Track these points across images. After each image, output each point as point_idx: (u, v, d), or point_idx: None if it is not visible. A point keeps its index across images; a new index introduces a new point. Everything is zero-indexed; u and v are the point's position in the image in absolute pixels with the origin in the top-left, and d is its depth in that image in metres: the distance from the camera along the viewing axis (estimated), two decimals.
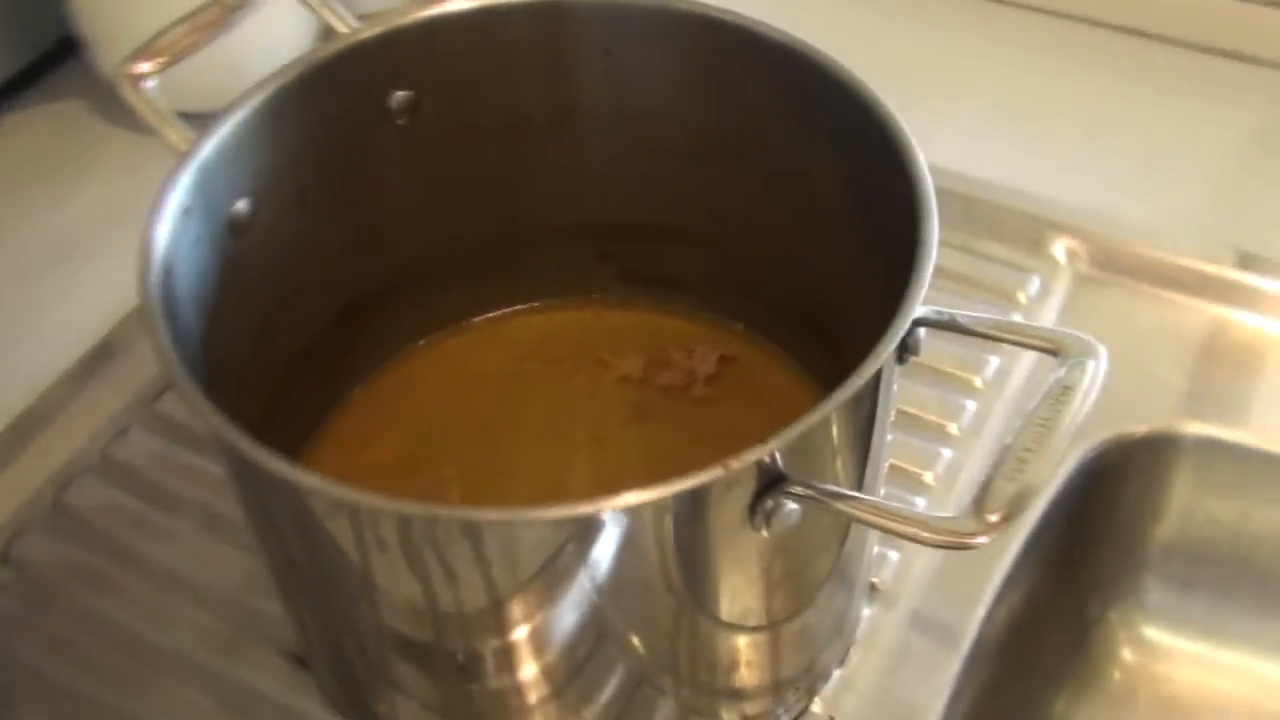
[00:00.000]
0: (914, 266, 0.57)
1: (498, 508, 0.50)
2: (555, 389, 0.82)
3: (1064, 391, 0.52)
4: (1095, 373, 0.53)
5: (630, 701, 0.62)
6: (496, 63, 0.74)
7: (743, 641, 0.62)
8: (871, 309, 0.67)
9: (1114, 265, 0.90)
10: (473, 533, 0.52)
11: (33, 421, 0.84)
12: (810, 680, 0.69)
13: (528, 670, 0.59)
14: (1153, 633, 0.86)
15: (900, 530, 0.50)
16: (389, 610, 0.58)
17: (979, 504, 0.49)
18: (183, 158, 0.63)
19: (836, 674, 0.71)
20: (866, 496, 0.52)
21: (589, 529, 0.51)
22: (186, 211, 0.62)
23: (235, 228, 0.67)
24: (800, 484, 0.53)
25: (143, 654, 0.73)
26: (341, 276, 0.77)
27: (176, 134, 0.66)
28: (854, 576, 0.68)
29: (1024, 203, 0.93)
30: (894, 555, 0.75)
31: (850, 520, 0.53)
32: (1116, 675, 0.86)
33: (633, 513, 0.51)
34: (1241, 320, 0.86)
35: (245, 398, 0.67)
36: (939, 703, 0.69)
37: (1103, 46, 1.08)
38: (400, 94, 0.73)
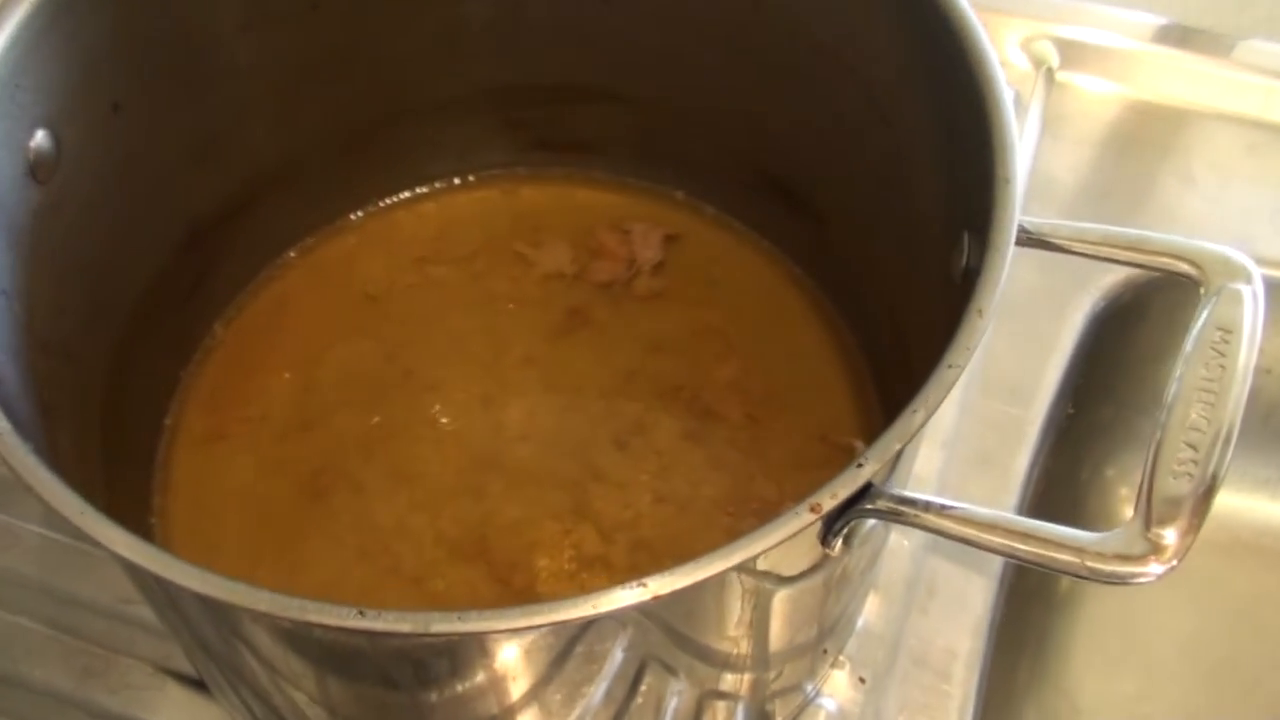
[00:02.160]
0: (991, 180, 0.42)
1: (508, 613, 0.35)
2: (467, 298, 0.66)
3: (1223, 338, 0.39)
4: (1255, 302, 0.40)
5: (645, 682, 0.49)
6: None
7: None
8: (873, 183, 0.53)
9: (1091, 62, 0.76)
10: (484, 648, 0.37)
11: None
12: (838, 641, 0.58)
13: None
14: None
15: (1044, 558, 0.38)
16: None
17: (1145, 514, 0.37)
18: None
19: (860, 623, 0.59)
20: (995, 513, 0.39)
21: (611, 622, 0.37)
22: None
23: (37, 170, 0.49)
24: (888, 499, 0.39)
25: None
26: (181, 197, 0.59)
27: None
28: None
29: None
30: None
31: (957, 540, 0.40)
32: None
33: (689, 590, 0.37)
34: None
35: (86, 373, 0.51)
36: (969, 641, 0.58)
37: None
38: None
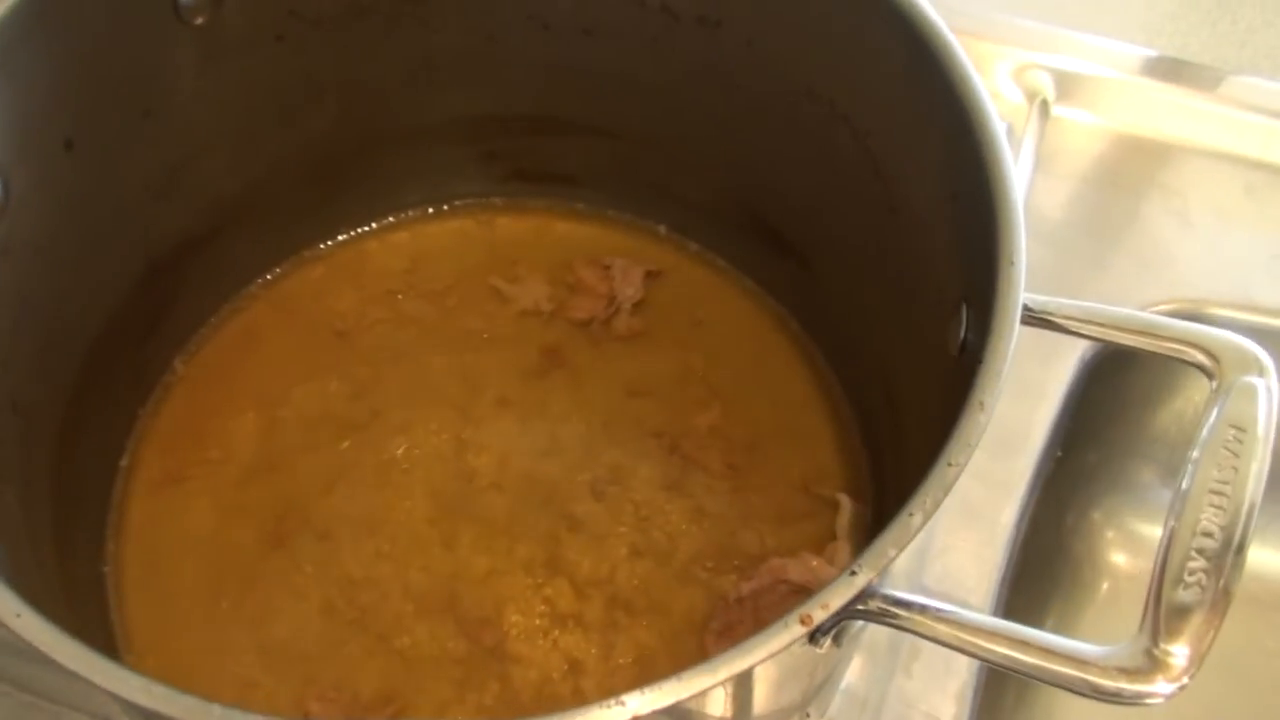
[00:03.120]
0: (995, 255, 0.40)
1: None
2: (439, 335, 0.63)
3: (1236, 436, 0.37)
4: (1270, 398, 0.37)
5: None
6: None
7: None
8: (864, 229, 0.51)
9: (1086, 96, 0.74)
10: None
11: None
12: (821, 705, 0.56)
13: None
14: (1147, 529, 0.75)
15: (1046, 672, 0.35)
16: None
17: (1154, 627, 0.35)
18: None
19: (842, 684, 0.57)
20: (994, 621, 0.37)
21: None
22: None
23: None
24: (881, 599, 0.37)
25: None
26: (139, 232, 0.56)
27: None
28: None
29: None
30: None
31: (950, 646, 0.38)
32: (1105, 585, 0.75)
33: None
34: None
35: (36, 422, 0.48)
36: (952, 706, 0.56)
37: None
38: None
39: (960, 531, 0.62)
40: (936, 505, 0.36)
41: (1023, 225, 0.40)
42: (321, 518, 0.58)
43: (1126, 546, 0.75)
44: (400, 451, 0.60)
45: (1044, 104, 0.74)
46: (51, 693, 0.57)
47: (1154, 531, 0.75)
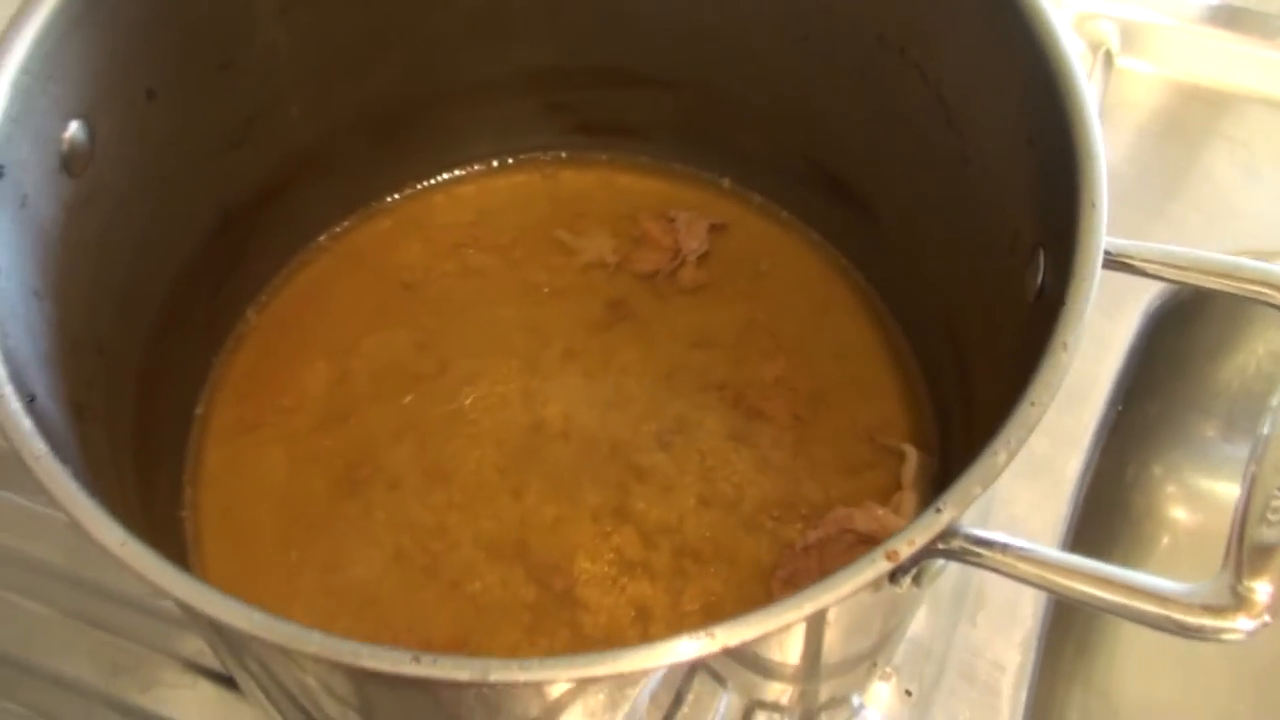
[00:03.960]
0: (1076, 199, 0.40)
1: (570, 662, 0.34)
2: (505, 287, 0.64)
3: None
4: None
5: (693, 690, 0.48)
6: None
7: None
8: (933, 181, 0.51)
9: (1153, 45, 0.73)
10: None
11: None
12: (887, 653, 0.56)
13: None
14: (1208, 484, 0.75)
15: (1127, 609, 0.36)
16: None
17: (1236, 564, 0.35)
18: None
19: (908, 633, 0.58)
20: (1075, 558, 0.37)
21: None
22: None
23: (70, 163, 0.47)
24: (963, 538, 0.37)
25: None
26: (215, 182, 0.57)
27: None
28: None
29: None
30: None
31: (1032, 583, 0.38)
32: (1165, 540, 0.75)
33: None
34: None
35: (117, 368, 0.49)
36: (1018, 655, 0.56)
37: None
38: None
39: (1024, 482, 0.62)
40: (1020, 444, 0.36)
41: (1104, 168, 0.40)
42: (392, 466, 0.59)
43: (1186, 501, 0.75)
44: (468, 402, 0.61)
45: (1108, 55, 0.74)
46: (136, 633, 0.58)
47: (1214, 486, 0.75)
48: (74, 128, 0.47)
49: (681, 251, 0.64)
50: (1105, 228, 0.39)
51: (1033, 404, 0.36)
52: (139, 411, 0.54)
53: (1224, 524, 0.74)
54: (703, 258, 0.64)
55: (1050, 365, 0.37)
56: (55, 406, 0.43)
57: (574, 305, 0.63)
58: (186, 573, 0.34)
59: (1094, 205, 0.39)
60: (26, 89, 0.43)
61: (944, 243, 0.54)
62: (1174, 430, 0.75)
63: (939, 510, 0.35)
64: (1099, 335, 0.65)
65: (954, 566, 0.57)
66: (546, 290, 0.64)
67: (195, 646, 0.58)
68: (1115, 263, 0.41)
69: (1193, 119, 0.72)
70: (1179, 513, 0.76)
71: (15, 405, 0.37)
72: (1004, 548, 0.38)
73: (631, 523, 0.58)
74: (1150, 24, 0.74)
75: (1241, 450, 0.75)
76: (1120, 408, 0.70)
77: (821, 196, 0.62)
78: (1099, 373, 0.64)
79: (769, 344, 0.62)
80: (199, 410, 0.61)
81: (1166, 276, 0.41)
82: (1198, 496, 0.76)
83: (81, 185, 0.47)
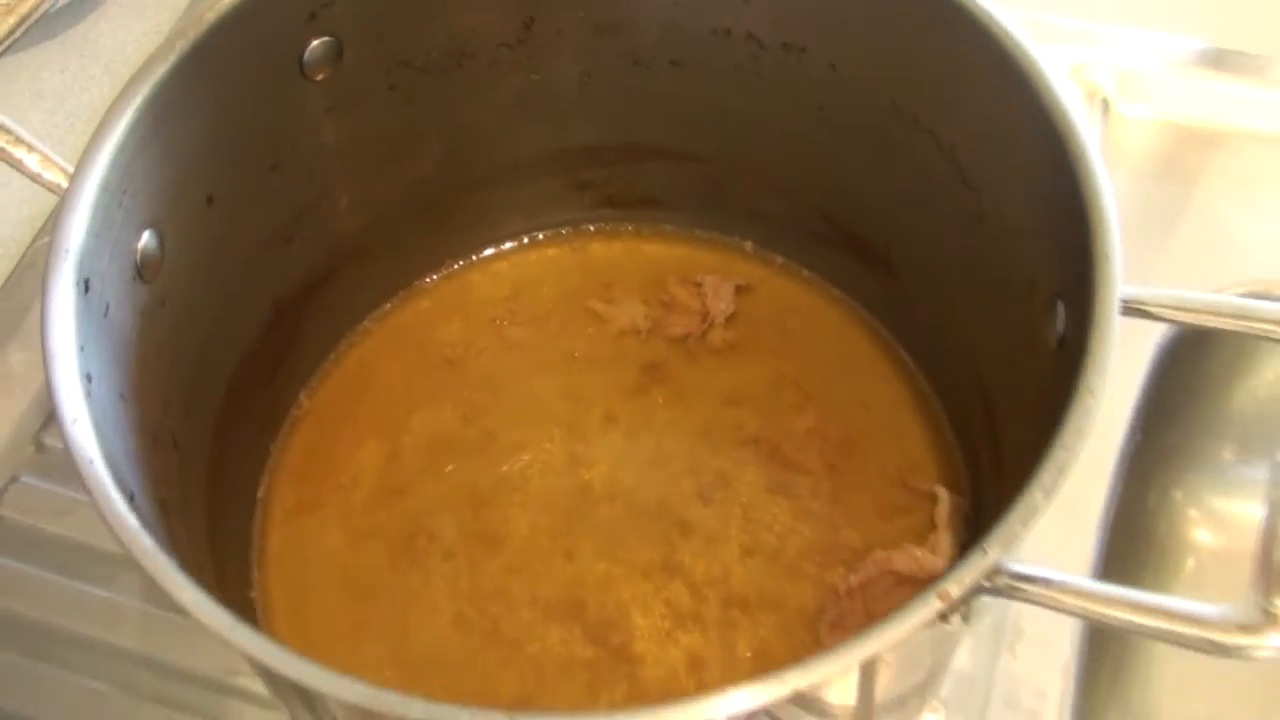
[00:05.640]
0: (1090, 252, 0.43)
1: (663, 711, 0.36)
2: (544, 358, 0.67)
3: None
4: None
5: None
6: None
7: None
8: (952, 238, 0.54)
9: (1148, 92, 0.77)
10: None
11: None
12: (935, 686, 0.58)
13: None
14: (1228, 506, 0.78)
15: (1168, 634, 0.38)
16: None
17: (1265, 584, 0.38)
18: (61, 214, 0.45)
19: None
20: (1107, 587, 0.40)
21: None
22: (85, 287, 0.45)
23: (143, 270, 0.50)
24: (1008, 576, 0.40)
25: None
26: (268, 276, 0.60)
27: (38, 159, 0.48)
28: None
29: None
30: None
31: (1072, 613, 0.41)
32: (1190, 562, 0.77)
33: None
34: None
35: (189, 459, 0.52)
36: (1059, 681, 0.59)
37: None
38: (317, 43, 0.55)
39: (1053, 515, 0.64)
40: (1056, 485, 0.39)
41: (1116, 222, 0.43)
42: (447, 535, 0.62)
43: (1208, 523, 0.78)
44: (516, 469, 0.64)
45: (1104, 102, 0.77)
46: (212, 711, 0.60)
47: (1234, 507, 0.77)
48: (146, 237, 0.50)
49: (710, 314, 0.67)
50: (1121, 279, 0.42)
51: (1064, 448, 0.39)
52: (209, 501, 0.57)
53: (1245, 543, 0.77)
54: (730, 319, 0.67)
55: (1079, 411, 0.40)
56: (146, 503, 0.46)
57: (610, 371, 0.66)
58: (295, 653, 0.37)
59: (1108, 259, 0.41)
60: (105, 205, 0.46)
61: (963, 295, 0.57)
62: (1192, 456, 0.77)
63: (985, 551, 0.38)
64: (1115, 370, 0.68)
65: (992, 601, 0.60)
66: (583, 358, 0.67)
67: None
68: (1131, 309, 0.43)
69: (1190, 159, 0.75)
70: (1202, 535, 0.78)
71: (121, 506, 0.40)
72: (1047, 582, 0.40)
73: (680, 577, 0.60)
74: (1144, 71, 0.77)
75: (1257, 471, 0.78)
76: (1139, 438, 0.73)
77: (841, 254, 0.65)
78: (1117, 406, 0.67)
79: (799, 397, 0.65)
80: (261, 493, 0.63)
81: (1180, 320, 0.44)
82: (1218, 517, 0.78)
83: (153, 290, 0.50)
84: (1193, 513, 0.79)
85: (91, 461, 0.40)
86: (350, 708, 0.37)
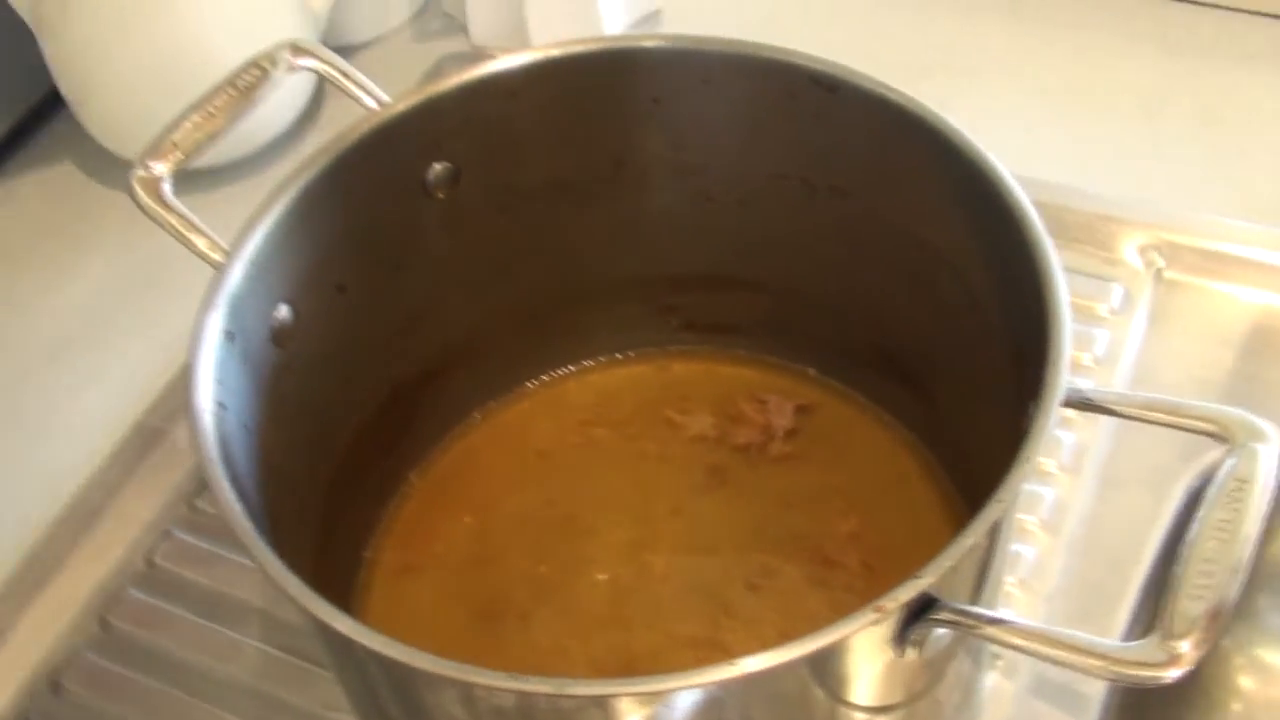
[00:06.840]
0: (1047, 351, 0.51)
1: (607, 682, 0.44)
2: (624, 456, 0.76)
3: (1239, 486, 0.47)
4: (1270, 460, 0.47)
5: None
6: (537, 122, 0.68)
7: None
8: (969, 359, 0.62)
9: (1199, 265, 0.83)
10: (604, 705, 0.46)
11: (65, 533, 0.78)
12: None
13: None
14: (1272, 656, 0.81)
15: (1071, 661, 0.45)
16: None
17: (1165, 629, 0.44)
18: (216, 278, 0.57)
19: None
20: (1028, 623, 0.47)
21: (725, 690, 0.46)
22: (229, 336, 0.56)
23: (278, 336, 0.61)
24: (950, 610, 0.47)
25: None
26: (388, 362, 0.71)
27: (204, 241, 0.60)
28: (980, 647, 0.63)
29: (1088, 202, 0.87)
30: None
31: (1009, 648, 0.47)
32: (1236, 707, 0.81)
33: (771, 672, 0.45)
34: None
35: (305, 504, 0.62)
36: None
37: (1151, 17, 1.01)
38: (439, 166, 0.67)
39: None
40: (981, 532, 0.46)
41: (1069, 326, 0.51)
42: (523, 602, 0.71)
43: (1252, 671, 0.82)
44: (589, 550, 0.72)
45: (1159, 272, 0.84)
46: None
47: (1277, 658, 0.81)
48: (283, 309, 0.61)
49: (772, 428, 0.75)
50: (1066, 375, 0.50)
51: (999, 500, 0.47)
52: (319, 553, 0.67)
53: None
54: (790, 434, 0.75)
55: (1015, 476, 0.47)
56: (262, 523, 0.56)
57: (679, 472, 0.75)
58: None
59: (1056, 360, 0.49)
60: (253, 277, 0.58)
61: (981, 408, 0.64)
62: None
63: (918, 577, 0.45)
64: (1144, 507, 0.74)
65: (1006, 698, 0.66)
66: (656, 458, 0.76)
67: None
68: (1081, 403, 0.51)
69: (1249, 332, 0.81)
70: (1247, 682, 0.82)
71: (251, 530, 0.50)
72: (987, 619, 0.47)
73: (722, 650, 0.68)
74: (1208, 249, 0.84)
75: None
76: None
77: (888, 380, 0.73)
78: (1144, 540, 0.72)
79: (844, 505, 0.73)
80: (366, 554, 0.73)
81: (1124, 413, 0.51)
82: (1261, 666, 0.82)
83: (285, 354, 0.62)
84: (1238, 660, 0.82)
85: (213, 461, 0.51)
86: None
